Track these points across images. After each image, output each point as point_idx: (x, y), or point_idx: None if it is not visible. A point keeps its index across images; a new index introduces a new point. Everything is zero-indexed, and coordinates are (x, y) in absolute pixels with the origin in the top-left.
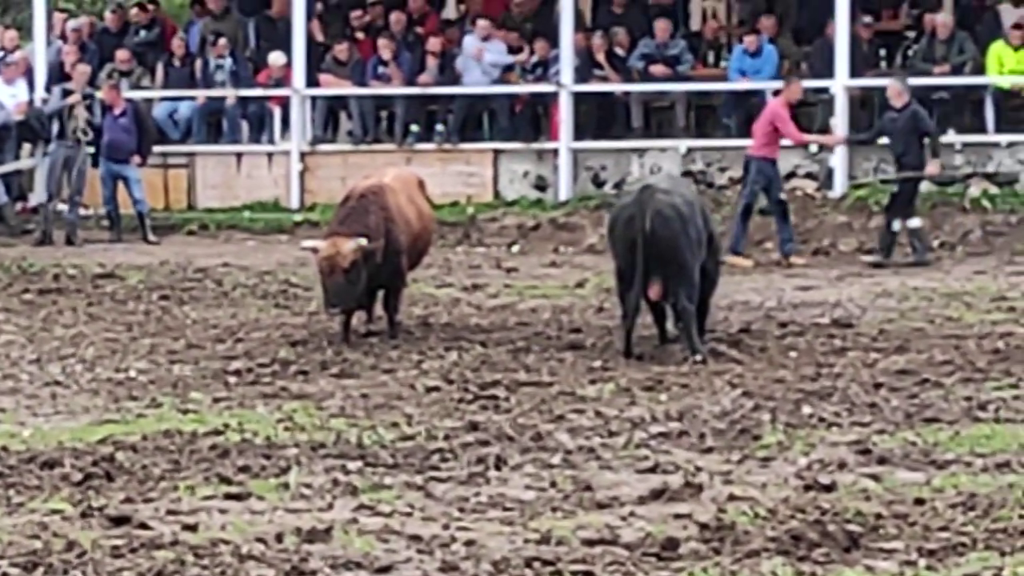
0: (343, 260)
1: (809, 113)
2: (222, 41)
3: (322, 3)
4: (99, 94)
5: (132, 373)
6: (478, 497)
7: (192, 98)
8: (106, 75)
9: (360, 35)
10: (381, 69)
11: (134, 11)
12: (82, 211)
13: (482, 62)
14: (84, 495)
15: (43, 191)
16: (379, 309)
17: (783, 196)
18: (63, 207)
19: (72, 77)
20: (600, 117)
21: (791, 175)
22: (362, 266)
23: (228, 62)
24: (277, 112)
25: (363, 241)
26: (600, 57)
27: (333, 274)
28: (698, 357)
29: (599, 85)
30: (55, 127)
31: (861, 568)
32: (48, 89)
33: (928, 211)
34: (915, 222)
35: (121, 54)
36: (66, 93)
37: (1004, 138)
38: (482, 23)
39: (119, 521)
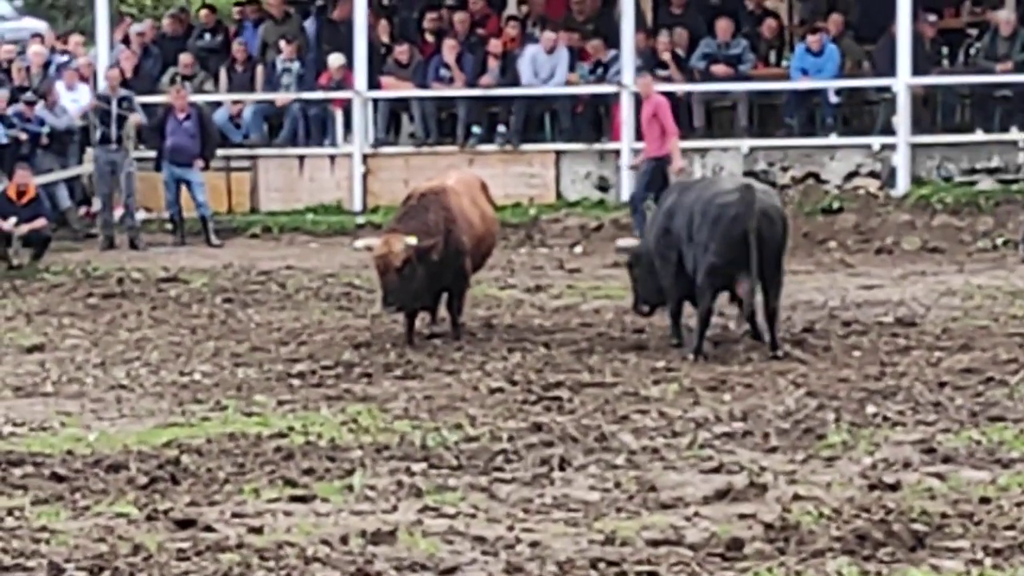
0: (395, 258)
1: (872, 111)
2: (291, 44)
3: (381, 6)
4: (154, 99)
5: (196, 376)
6: (542, 498)
7: (258, 102)
8: (169, 79)
9: (429, 37)
10: (443, 71)
11: (203, 12)
12: (144, 214)
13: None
14: (149, 498)
15: (97, 197)
16: (443, 311)
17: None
18: (120, 212)
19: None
20: None
21: (854, 174)
22: (417, 264)
23: (296, 65)
24: (339, 115)
25: (413, 240)
26: (665, 57)
27: (387, 272)
28: (780, 353)
29: (661, 85)
30: (97, 133)
31: (927, 567)
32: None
33: (991, 209)
34: None
35: (184, 58)
36: (99, 98)
37: None
38: (548, 35)
39: (184, 524)
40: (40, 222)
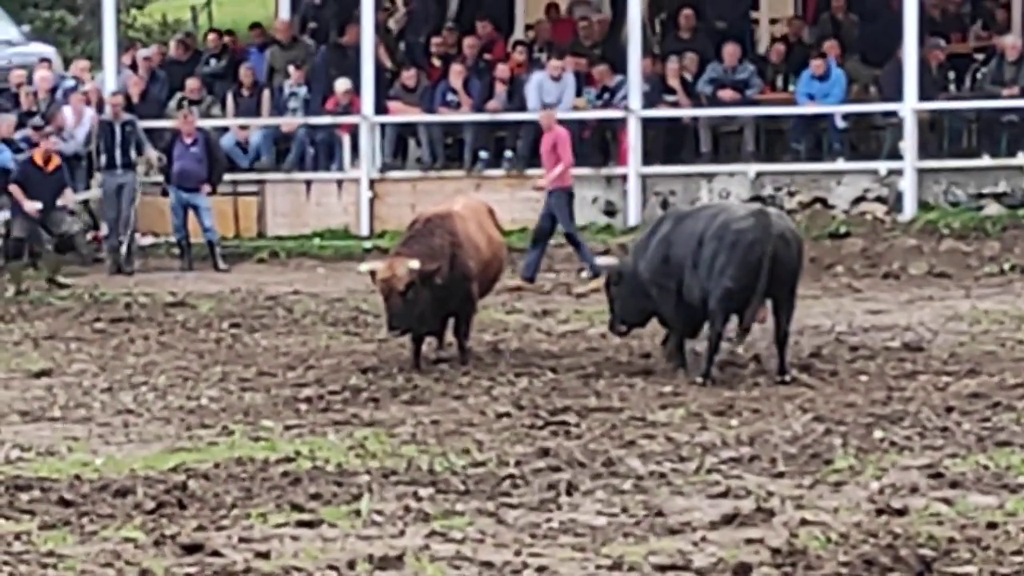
0: (399, 282)
1: (878, 136)
2: (299, 70)
3: (388, 31)
4: (161, 124)
5: (203, 401)
6: (550, 523)
7: (265, 127)
8: (176, 104)
9: (436, 62)
10: (450, 96)
11: (210, 36)
12: (151, 239)
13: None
14: (156, 523)
15: (105, 222)
16: (450, 335)
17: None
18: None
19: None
20: (669, 142)
21: (860, 199)
22: (421, 288)
23: (303, 91)
24: (346, 140)
25: (416, 263)
26: (674, 82)
27: (391, 296)
28: (787, 378)
29: (668, 110)
30: (103, 158)
31: None
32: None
33: (998, 234)
34: None
35: (191, 83)
36: (103, 123)
37: None
38: (555, 60)
39: (191, 549)
40: (69, 195)
